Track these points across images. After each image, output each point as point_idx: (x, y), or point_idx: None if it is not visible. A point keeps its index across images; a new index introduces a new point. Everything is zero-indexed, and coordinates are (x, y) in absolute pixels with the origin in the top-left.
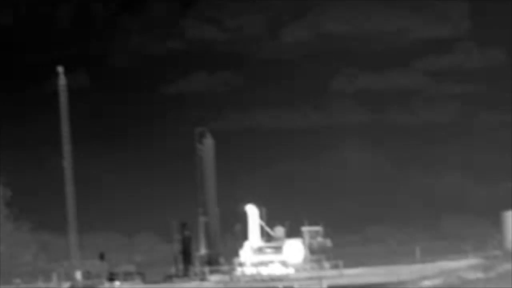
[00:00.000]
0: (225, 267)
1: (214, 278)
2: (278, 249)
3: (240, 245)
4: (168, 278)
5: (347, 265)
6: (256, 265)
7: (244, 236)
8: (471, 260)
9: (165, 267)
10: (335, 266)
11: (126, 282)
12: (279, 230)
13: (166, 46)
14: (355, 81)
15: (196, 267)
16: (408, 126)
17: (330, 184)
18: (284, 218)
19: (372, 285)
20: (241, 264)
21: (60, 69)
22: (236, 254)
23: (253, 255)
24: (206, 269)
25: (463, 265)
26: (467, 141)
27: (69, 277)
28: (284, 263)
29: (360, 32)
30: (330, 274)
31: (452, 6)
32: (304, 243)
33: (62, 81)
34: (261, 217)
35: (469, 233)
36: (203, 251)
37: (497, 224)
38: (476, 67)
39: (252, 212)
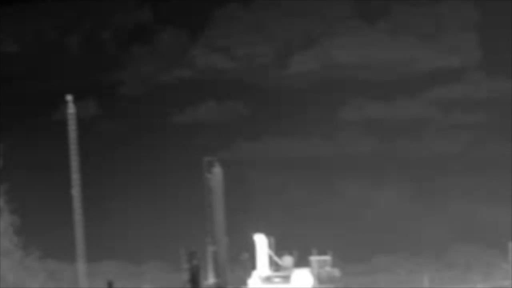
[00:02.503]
0: None
1: None
2: (286, 279)
3: (248, 274)
4: None
5: None
6: None
7: (252, 265)
8: None
9: None
10: None
11: None
12: (288, 260)
13: (175, 75)
14: (364, 111)
15: None
16: (419, 156)
17: (338, 213)
18: (293, 247)
19: None
20: None
21: (68, 97)
22: (244, 283)
23: (261, 284)
24: None
25: None
26: (478, 171)
27: None
28: None
29: (370, 62)
30: None
31: (462, 36)
32: (312, 272)
33: (70, 109)
34: (270, 246)
35: (478, 262)
36: (211, 280)
37: (505, 253)
38: (486, 96)
39: (260, 241)
